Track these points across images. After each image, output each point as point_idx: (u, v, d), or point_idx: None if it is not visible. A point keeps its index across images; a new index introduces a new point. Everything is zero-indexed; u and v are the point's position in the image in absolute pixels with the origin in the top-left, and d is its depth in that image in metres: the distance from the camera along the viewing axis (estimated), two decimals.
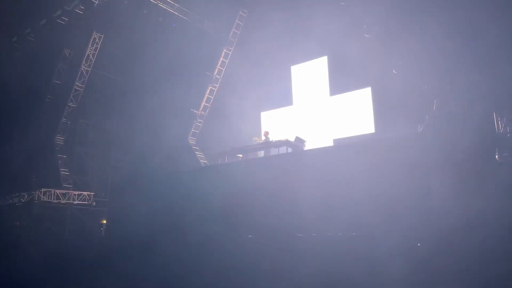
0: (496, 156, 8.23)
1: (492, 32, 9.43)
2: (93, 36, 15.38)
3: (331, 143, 13.87)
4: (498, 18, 9.44)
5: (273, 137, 13.85)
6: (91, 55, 15.67)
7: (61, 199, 14.28)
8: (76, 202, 14.49)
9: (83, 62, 15.59)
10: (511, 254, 5.61)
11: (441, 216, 7.67)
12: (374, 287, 6.00)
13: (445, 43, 10.29)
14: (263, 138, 13.09)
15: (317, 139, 14.45)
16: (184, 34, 14.99)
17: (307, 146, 13.33)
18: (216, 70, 16.62)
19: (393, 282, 5.91)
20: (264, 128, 15.91)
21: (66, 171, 15.39)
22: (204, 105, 16.75)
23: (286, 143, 11.91)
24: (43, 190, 14.05)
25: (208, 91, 16.70)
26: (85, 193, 14.87)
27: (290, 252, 7.43)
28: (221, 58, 16.63)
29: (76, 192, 14.66)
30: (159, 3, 14.31)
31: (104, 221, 14.71)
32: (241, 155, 12.76)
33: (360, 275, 6.16)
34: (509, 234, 5.83)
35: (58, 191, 14.31)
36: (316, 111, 14.79)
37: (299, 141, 12.46)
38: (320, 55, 14.90)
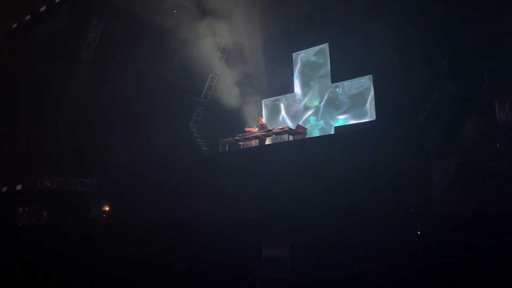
0: (497, 145, 8.23)
1: (493, 17, 9.37)
2: (93, 23, 15.27)
3: (332, 131, 13.87)
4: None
5: (270, 125, 13.88)
6: (91, 42, 15.58)
7: (63, 186, 14.35)
8: (78, 189, 14.56)
9: (84, 49, 15.51)
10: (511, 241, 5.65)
11: (441, 204, 7.72)
12: (376, 276, 6.06)
13: (446, 28, 10.22)
14: (259, 125, 13.06)
15: (318, 126, 14.46)
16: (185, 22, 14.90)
17: (308, 134, 13.36)
18: (217, 57, 16.55)
19: (393, 270, 5.97)
20: (265, 115, 15.91)
21: (69, 158, 15.43)
22: (205, 92, 16.72)
23: (288, 131, 11.93)
24: (45, 177, 14.11)
25: (209, 79, 16.65)
26: (87, 180, 14.93)
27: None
28: (222, 45, 16.54)
29: (79, 179, 14.72)
30: None
31: (107, 208, 14.81)
32: (242, 143, 12.79)
33: (360, 264, 6.22)
34: (509, 222, 5.86)
35: (60, 178, 14.37)
36: (317, 99, 14.76)
37: (300, 129, 12.49)
38: (321, 42, 14.81)
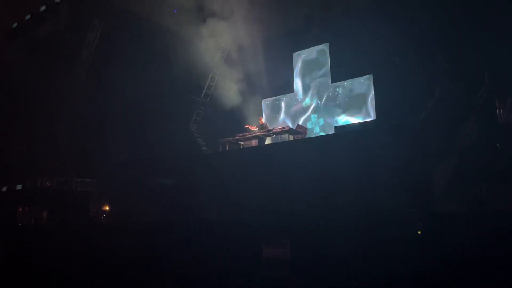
0: (497, 144, 8.24)
1: (493, 17, 9.37)
2: (94, 23, 15.25)
3: (332, 131, 13.87)
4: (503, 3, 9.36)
5: (270, 124, 13.85)
6: (91, 42, 15.55)
7: (63, 186, 14.34)
8: (78, 189, 14.55)
9: (84, 48, 15.50)
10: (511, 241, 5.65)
11: (441, 204, 7.72)
12: (376, 275, 6.07)
13: (447, 28, 10.22)
14: (259, 125, 13.03)
15: (319, 126, 14.47)
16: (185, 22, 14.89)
17: (309, 134, 13.37)
18: (217, 57, 16.54)
19: (393, 269, 5.98)
20: (265, 115, 15.92)
21: (69, 158, 15.43)
22: (205, 92, 16.71)
23: (288, 131, 11.93)
24: (45, 177, 14.11)
25: (209, 78, 16.64)
26: (87, 180, 14.92)
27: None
28: (222, 45, 16.53)
29: (79, 179, 14.71)
30: None
31: (107, 208, 14.81)
32: (242, 143, 12.79)
33: (360, 264, 6.23)
34: (509, 222, 5.87)
35: (60, 178, 14.36)
36: (317, 98, 14.77)
37: (301, 128, 12.49)
38: (321, 42, 14.82)
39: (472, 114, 8.80)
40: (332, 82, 14.43)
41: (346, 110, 13.87)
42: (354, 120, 13.51)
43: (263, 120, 13.71)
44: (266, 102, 16.20)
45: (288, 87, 15.65)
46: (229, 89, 15.73)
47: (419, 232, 6.28)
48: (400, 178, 7.87)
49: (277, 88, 15.83)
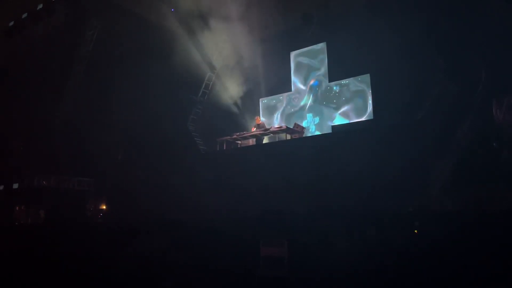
0: (494, 144, 8.26)
1: (491, 17, 9.38)
2: (91, 22, 15.21)
3: (329, 130, 13.88)
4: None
5: (267, 123, 13.83)
6: (89, 41, 15.51)
7: (60, 185, 14.30)
8: (76, 188, 14.52)
9: (82, 47, 15.45)
10: (509, 241, 5.67)
11: (439, 203, 7.75)
12: (373, 275, 6.08)
13: (444, 27, 10.23)
14: (256, 124, 13.05)
15: (316, 125, 14.48)
16: (183, 21, 14.87)
17: (306, 133, 13.37)
18: (215, 56, 16.52)
19: (391, 269, 5.99)
20: (262, 114, 15.91)
21: (66, 157, 15.38)
22: (203, 91, 16.69)
23: (285, 130, 11.94)
24: (42, 175, 14.07)
25: (207, 77, 16.62)
26: (85, 179, 14.88)
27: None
28: (221, 44, 16.50)
29: (76, 178, 14.68)
30: None
31: (104, 207, 14.79)
32: (240, 142, 12.80)
33: (358, 263, 6.24)
34: (507, 221, 5.89)
35: (58, 177, 14.33)
36: (314, 97, 14.78)
37: (298, 127, 12.50)
38: (319, 41, 14.82)
39: (469, 114, 8.81)
40: (329, 81, 14.45)
41: (343, 109, 13.88)
42: (352, 119, 13.53)
43: (260, 119, 13.71)
44: (263, 101, 16.20)
45: (285, 86, 15.65)
46: (226, 88, 15.71)
47: (415, 231, 6.30)
48: (397, 177, 7.90)
49: (274, 87, 15.83)
